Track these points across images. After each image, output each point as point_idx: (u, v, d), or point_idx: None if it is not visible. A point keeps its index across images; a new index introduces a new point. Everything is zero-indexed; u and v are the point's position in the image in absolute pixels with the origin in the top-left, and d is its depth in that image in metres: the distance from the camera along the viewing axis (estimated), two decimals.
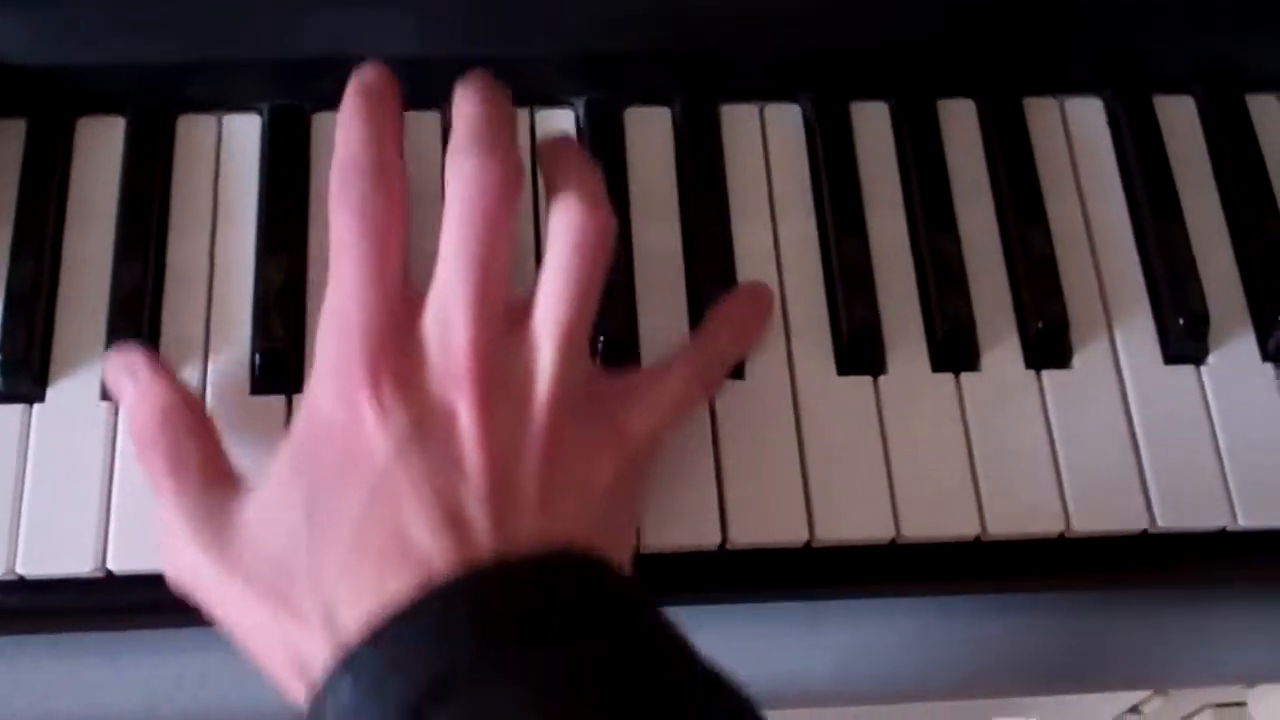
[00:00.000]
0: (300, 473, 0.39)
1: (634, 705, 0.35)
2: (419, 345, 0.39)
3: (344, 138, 0.42)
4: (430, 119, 0.49)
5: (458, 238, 0.40)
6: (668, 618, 0.38)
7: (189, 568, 0.39)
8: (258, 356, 0.45)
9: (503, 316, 0.40)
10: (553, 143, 0.45)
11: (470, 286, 0.39)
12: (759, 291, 0.47)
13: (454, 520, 0.37)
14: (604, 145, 0.49)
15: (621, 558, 0.41)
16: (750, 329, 0.46)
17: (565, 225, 0.41)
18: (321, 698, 0.35)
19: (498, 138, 0.41)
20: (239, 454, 0.43)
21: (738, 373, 0.46)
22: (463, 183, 0.40)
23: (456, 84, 0.43)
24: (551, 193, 0.42)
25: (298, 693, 0.37)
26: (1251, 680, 0.52)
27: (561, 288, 0.40)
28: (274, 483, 0.39)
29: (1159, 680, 0.51)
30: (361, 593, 0.36)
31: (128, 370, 0.42)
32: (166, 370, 0.42)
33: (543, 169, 0.44)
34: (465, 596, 0.36)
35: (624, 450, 0.41)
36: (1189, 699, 0.68)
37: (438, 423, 0.38)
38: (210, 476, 0.40)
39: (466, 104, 0.42)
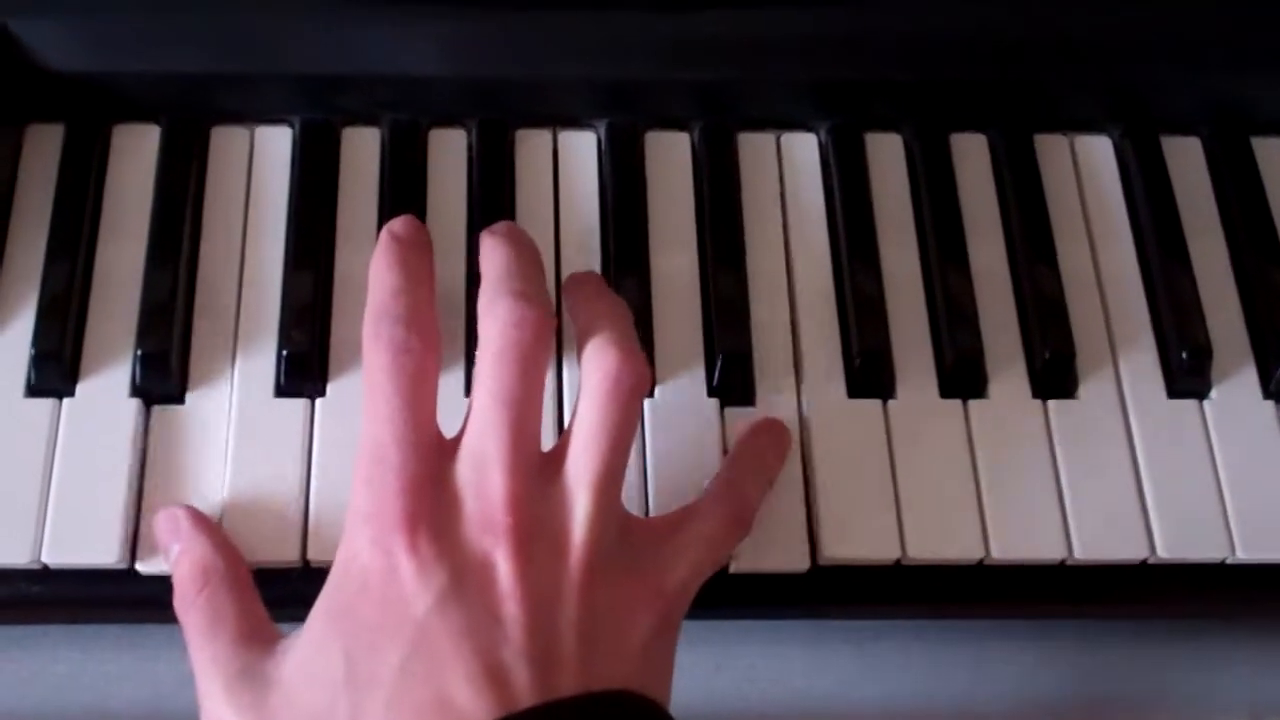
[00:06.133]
0: (337, 627, 0.38)
1: None
2: (453, 490, 0.39)
3: (378, 283, 0.41)
4: (457, 136, 0.51)
5: (492, 379, 0.39)
6: None
7: None
8: (284, 359, 0.45)
9: (537, 461, 0.39)
10: (579, 279, 0.45)
11: (506, 429, 0.39)
12: (776, 427, 0.46)
13: (495, 677, 0.36)
14: (623, 168, 0.50)
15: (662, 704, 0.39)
16: (775, 463, 0.46)
17: (600, 372, 0.40)
18: None
19: (530, 281, 0.41)
20: (262, 457, 0.44)
21: (750, 399, 0.47)
22: (498, 324, 0.40)
23: (482, 232, 0.44)
24: (582, 336, 0.41)
25: None
26: (1253, 714, 0.52)
27: (596, 435, 0.39)
28: (310, 637, 0.39)
29: (1158, 713, 0.52)
30: None
31: (171, 523, 0.42)
32: (211, 526, 0.42)
33: (569, 307, 0.44)
34: None
35: (660, 605, 0.40)
36: None
37: (475, 575, 0.38)
38: (245, 633, 0.40)
39: (496, 249, 0.42)
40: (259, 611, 0.41)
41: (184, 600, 0.41)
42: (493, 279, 0.41)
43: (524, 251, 0.43)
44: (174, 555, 0.42)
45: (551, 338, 0.41)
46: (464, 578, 0.37)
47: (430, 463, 0.39)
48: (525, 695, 0.36)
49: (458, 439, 0.40)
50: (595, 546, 0.39)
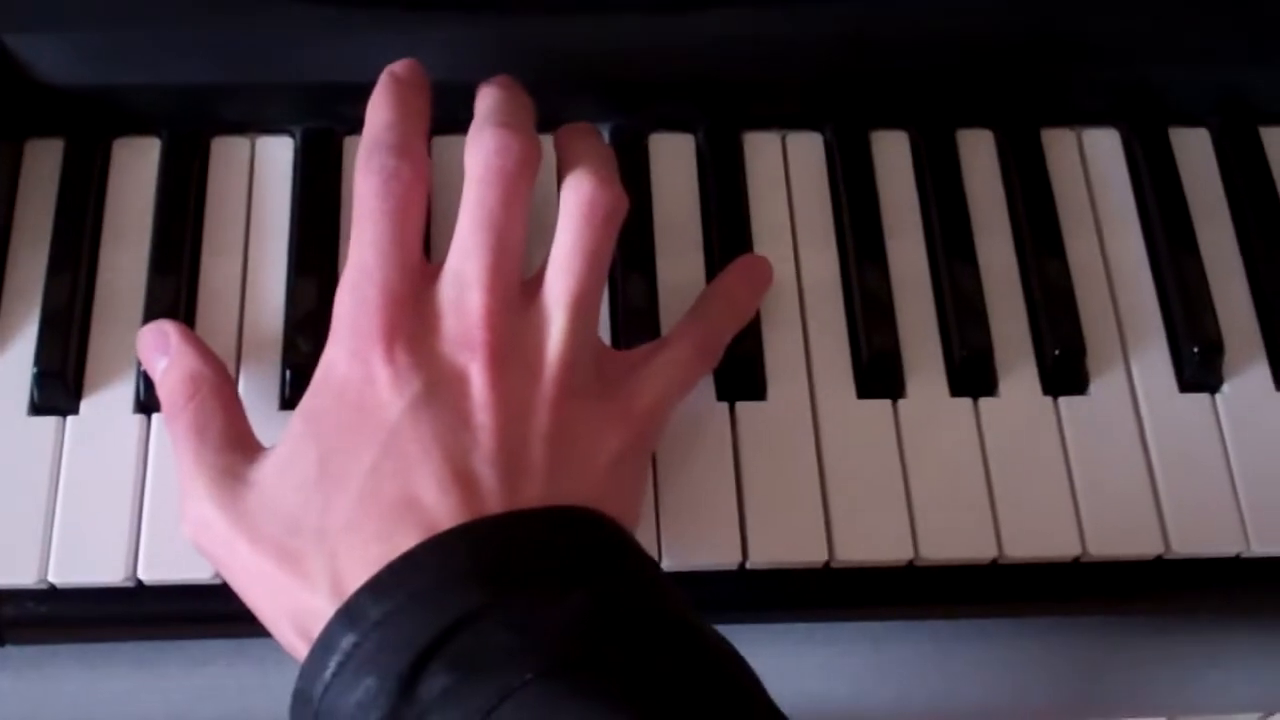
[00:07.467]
0: (313, 430, 0.39)
1: (630, 651, 0.35)
2: (434, 308, 0.40)
3: (373, 117, 0.43)
4: (460, 142, 0.50)
5: (476, 205, 0.41)
6: (666, 576, 0.38)
7: (202, 524, 0.39)
8: (288, 371, 0.45)
9: (517, 285, 0.41)
10: (569, 128, 0.46)
11: (486, 251, 0.40)
12: (756, 264, 0.48)
13: (462, 479, 0.37)
14: (628, 171, 0.49)
15: (627, 527, 0.40)
16: (747, 301, 0.47)
17: (576, 199, 0.42)
18: (323, 649, 0.35)
19: (517, 116, 0.43)
20: None
21: (759, 394, 0.47)
22: (482, 153, 0.41)
23: (480, 83, 0.45)
24: (564, 170, 0.43)
25: (300, 650, 0.37)
26: (1267, 710, 0.52)
27: (572, 260, 0.41)
28: (288, 441, 0.40)
29: (1171, 708, 0.51)
30: (367, 548, 0.37)
31: (160, 338, 0.43)
32: (197, 340, 0.43)
33: (557, 150, 0.45)
34: (469, 546, 0.36)
35: (629, 425, 0.41)
36: None
37: (449, 385, 0.39)
38: (230, 440, 0.41)
39: (488, 92, 0.44)
40: (243, 421, 0.42)
41: (173, 408, 0.42)
42: (481, 115, 0.43)
43: (515, 95, 0.44)
44: (161, 367, 0.43)
45: (534, 168, 0.42)
46: (438, 387, 0.39)
47: (412, 281, 0.40)
48: (491, 500, 0.37)
49: (441, 263, 0.41)
50: (568, 366, 0.40)
